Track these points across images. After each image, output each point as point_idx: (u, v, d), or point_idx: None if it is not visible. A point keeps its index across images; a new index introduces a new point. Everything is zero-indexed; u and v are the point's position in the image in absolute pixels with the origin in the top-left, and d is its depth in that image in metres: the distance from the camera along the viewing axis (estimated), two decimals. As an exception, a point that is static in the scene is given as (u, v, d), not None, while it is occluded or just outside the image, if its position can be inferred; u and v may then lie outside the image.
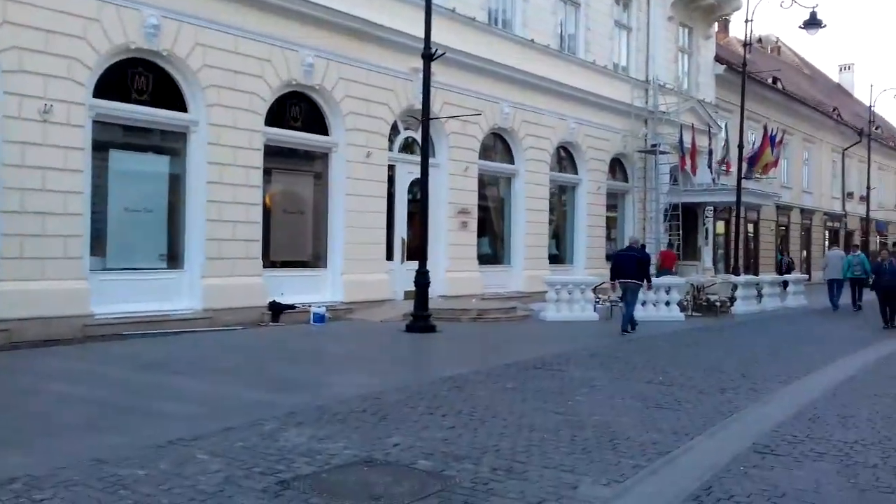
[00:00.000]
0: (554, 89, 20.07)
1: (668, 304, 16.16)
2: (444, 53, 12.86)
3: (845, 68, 56.45)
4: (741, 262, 25.57)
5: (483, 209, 18.98)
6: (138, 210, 12.38)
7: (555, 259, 21.24)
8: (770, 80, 33.02)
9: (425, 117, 12.59)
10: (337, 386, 7.90)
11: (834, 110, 40.06)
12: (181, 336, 11.39)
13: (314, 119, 14.84)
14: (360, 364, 9.74)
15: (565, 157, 21.69)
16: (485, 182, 19.08)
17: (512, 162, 19.57)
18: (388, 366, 9.79)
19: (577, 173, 21.85)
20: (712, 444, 5.88)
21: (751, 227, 32.04)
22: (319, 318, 13.70)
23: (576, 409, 6.99)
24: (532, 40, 19.30)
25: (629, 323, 13.45)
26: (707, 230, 27.35)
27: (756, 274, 27.13)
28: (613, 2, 22.70)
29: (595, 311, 15.97)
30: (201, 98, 12.67)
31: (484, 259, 18.76)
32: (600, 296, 16.35)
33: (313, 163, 15.31)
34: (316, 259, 15.26)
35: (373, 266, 15.44)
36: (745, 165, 23.61)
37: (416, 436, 5.83)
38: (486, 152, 18.78)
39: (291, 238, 15.05)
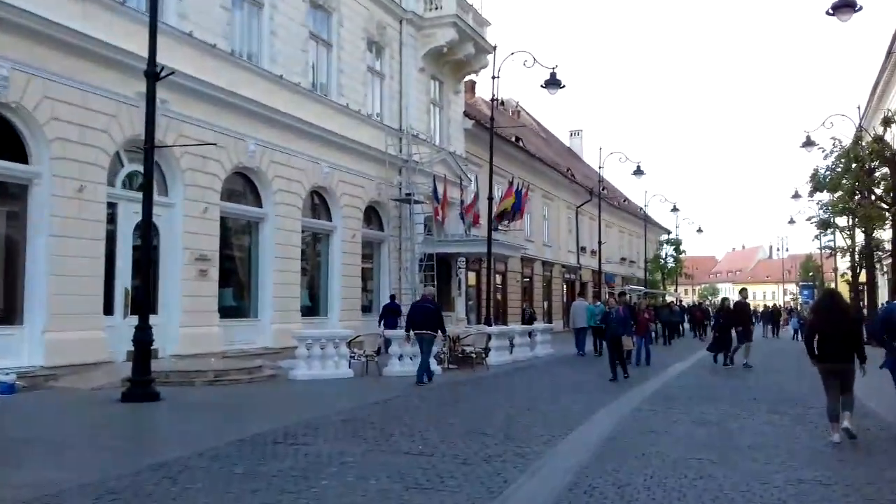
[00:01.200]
0: (306, 130, 18.92)
1: (425, 357, 15.38)
2: (172, 73, 11.15)
3: (575, 134, 62.21)
4: (492, 312, 25.95)
5: (227, 257, 17.14)
6: None
7: (308, 311, 19.81)
8: (513, 139, 34.85)
9: (148, 144, 10.68)
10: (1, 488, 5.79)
11: (568, 170, 43.42)
12: None
13: (9, 144, 12.20)
14: (46, 451, 7.52)
15: (319, 203, 20.50)
16: (229, 227, 17.28)
17: (260, 205, 17.95)
18: (84, 451, 7.65)
19: (331, 220, 20.72)
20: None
21: (499, 279, 33.09)
22: (7, 389, 11.01)
23: (321, 498, 5.63)
24: (281, 76, 18.05)
25: (425, 373, 13.43)
26: (460, 281, 27.57)
27: (505, 324, 27.78)
28: (366, 48, 22.24)
29: (350, 367, 14.77)
30: None
31: (227, 312, 16.81)
32: (356, 350, 15.16)
33: (7, 197, 12.57)
34: (9, 314, 12.44)
35: (86, 322, 12.90)
36: (495, 219, 24.15)
37: (90, 567, 4.10)
38: (231, 195, 17.02)
39: (-27, 289, 12.08)
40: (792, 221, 53.94)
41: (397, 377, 14.51)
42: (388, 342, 15.49)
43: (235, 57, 16.87)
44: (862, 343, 8.20)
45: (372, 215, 23.00)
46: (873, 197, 21.82)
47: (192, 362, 14.13)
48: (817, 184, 22.58)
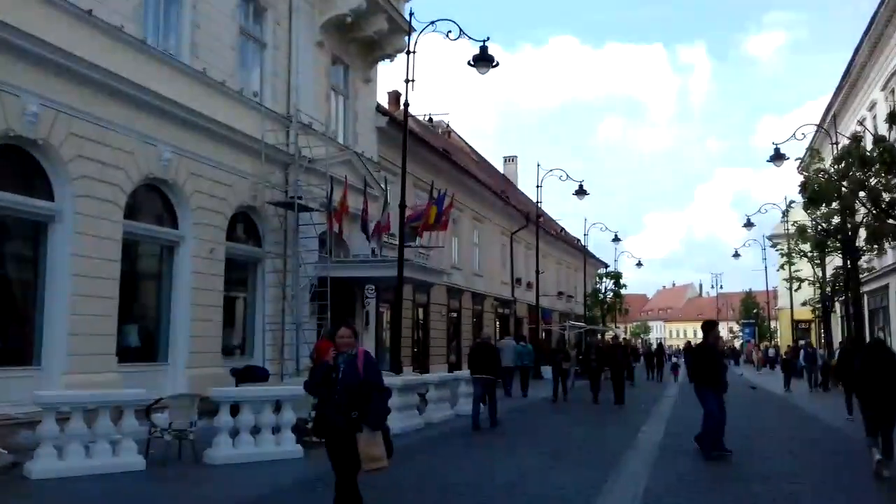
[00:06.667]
0: (134, 96, 13.24)
1: (277, 430, 9.74)
2: None
3: (510, 160, 57.75)
4: (409, 355, 20.45)
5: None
6: None
7: (137, 355, 13.95)
8: (441, 150, 29.81)
9: None
10: None
11: (502, 191, 38.60)
12: None
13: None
14: None
15: (157, 203, 14.72)
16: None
17: (51, 198, 12.09)
18: None
19: (176, 227, 14.94)
20: None
21: (421, 312, 27.65)
22: None
23: None
24: (90, 12, 12.37)
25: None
26: (368, 314, 21.94)
27: (426, 370, 22.31)
28: (240, 2, 16.78)
29: (141, 452, 8.95)
30: None
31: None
32: (155, 421, 9.34)
33: None
34: None
35: None
36: (408, 230, 18.74)
37: None
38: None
39: None
40: (737, 255, 50.71)
41: (224, 467, 8.83)
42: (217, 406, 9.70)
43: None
44: None
45: (244, 225, 17.30)
46: (876, 210, 17.40)
47: None
48: (812, 193, 18.10)
